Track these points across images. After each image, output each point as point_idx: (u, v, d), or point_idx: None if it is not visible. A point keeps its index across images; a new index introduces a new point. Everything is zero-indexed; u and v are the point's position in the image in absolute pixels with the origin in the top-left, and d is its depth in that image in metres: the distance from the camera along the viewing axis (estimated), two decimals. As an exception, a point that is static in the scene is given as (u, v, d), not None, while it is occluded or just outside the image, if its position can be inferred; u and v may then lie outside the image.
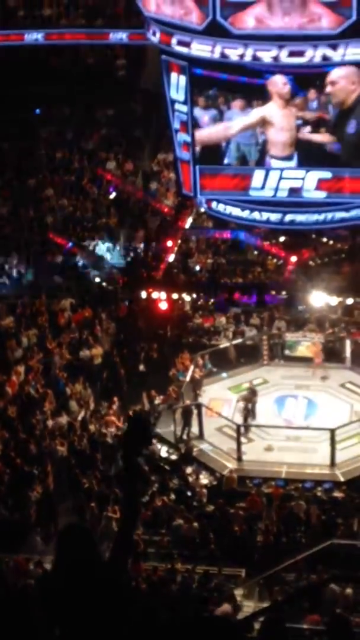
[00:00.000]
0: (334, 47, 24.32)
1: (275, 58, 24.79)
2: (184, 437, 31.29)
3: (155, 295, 36.11)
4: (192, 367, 33.75)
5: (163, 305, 36.11)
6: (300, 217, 28.75)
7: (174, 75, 27.04)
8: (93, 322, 36.77)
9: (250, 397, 31.90)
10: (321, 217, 28.61)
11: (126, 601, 6.42)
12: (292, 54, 24.67)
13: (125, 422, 31.03)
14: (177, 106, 27.52)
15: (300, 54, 24.59)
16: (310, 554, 24.89)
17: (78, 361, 35.04)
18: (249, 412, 31.68)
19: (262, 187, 27.77)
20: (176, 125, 28.03)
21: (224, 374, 35.31)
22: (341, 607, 22.16)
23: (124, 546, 6.47)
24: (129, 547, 6.69)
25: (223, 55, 25.15)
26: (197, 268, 39.00)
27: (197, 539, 26.62)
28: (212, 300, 37.72)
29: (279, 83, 25.99)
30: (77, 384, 33.38)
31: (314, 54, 24.47)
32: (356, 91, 25.69)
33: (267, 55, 24.79)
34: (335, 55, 24.49)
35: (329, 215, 28.53)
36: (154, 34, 26.49)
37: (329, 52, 24.41)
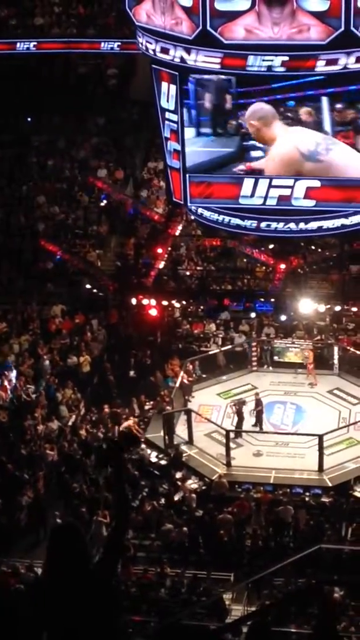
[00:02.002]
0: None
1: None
2: (169, 442, 31.50)
3: (145, 301, 36.31)
4: (181, 373, 33.97)
5: (153, 312, 36.32)
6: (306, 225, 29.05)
7: (164, 85, 27.26)
8: (84, 328, 36.99)
9: (242, 404, 32.12)
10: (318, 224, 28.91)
11: (115, 604, 6.54)
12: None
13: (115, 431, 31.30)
14: (167, 115, 27.73)
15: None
16: (298, 558, 25.03)
17: (67, 367, 35.25)
18: (241, 419, 31.87)
19: (252, 195, 27.97)
20: (166, 133, 28.23)
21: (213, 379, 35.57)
22: (329, 610, 22.29)
23: (114, 548, 6.54)
24: (119, 549, 6.80)
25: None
26: (187, 274, 39.18)
27: (187, 543, 26.80)
28: (201, 307, 37.93)
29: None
30: (67, 389, 33.58)
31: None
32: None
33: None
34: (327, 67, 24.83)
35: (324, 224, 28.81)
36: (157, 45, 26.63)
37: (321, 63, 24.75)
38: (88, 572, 6.18)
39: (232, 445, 30.91)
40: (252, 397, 33.15)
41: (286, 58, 24.71)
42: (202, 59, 25.35)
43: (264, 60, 24.78)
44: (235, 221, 29.31)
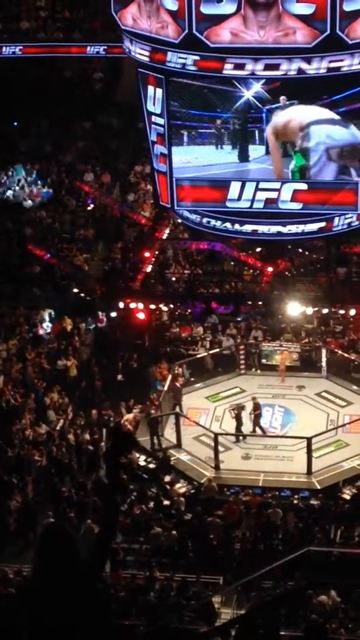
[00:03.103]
0: (309, 61, 24.66)
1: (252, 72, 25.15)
2: (155, 446, 31.51)
3: (133, 305, 36.30)
4: (170, 377, 33.98)
5: (141, 316, 36.32)
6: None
7: (150, 88, 27.28)
8: (72, 333, 36.98)
9: (241, 409, 32.15)
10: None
11: (103, 606, 6.54)
12: (267, 67, 25.03)
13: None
14: (154, 119, 27.74)
15: (276, 67, 24.93)
16: (287, 561, 25.08)
17: (55, 371, 35.24)
18: (240, 423, 31.89)
19: (239, 199, 28.00)
20: (153, 137, 28.24)
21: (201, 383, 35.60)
22: (317, 614, 22.33)
23: (101, 551, 6.56)
24: (106, 552, 6.77)
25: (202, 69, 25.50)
26: (174, 279, 39.21)
27: (176, 547, 26.80)
28: (189, 310, 37.94)
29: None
30: (54, 393, 33.57)
31: (289, 67, 24.80)
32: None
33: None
34: (310, 69, 24.82)
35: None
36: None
37: (303, 66, 24.74)
38: (76, 574, 6.18)
39: (220, 448, 30.93)
40: (248, 400, 33.24)
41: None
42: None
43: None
44: (222, 224, 29.37)
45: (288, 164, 27.56)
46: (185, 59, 25.69)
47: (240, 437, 31.97)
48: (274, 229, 29.03)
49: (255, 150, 27.38)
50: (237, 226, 29.16)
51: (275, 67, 24.97)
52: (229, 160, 27.54)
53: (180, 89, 27.02)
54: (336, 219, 28.49)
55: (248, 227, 29.11)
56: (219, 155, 27.61)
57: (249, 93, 26.42)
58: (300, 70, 24.81)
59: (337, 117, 26.31)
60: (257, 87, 26.24)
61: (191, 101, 27.10)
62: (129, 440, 7.11)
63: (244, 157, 27.47)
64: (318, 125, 26.23)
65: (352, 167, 27.33)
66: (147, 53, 26.78)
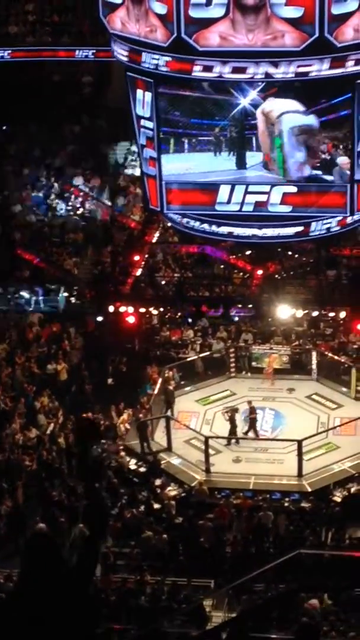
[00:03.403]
0: (276, 65, 24.76)
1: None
2: (146, 450, 31.50)
3: (123, 309, 36.29)
4: (160, 380, 33.98)
5: (131, 319, 36.31)
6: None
7: (139, 92, 27.26)
8: (61, 336, 36.95)
9: (235, 412, 32.16)
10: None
11: (93, 611, 6.52)
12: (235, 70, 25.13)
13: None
14: (143, 122, 27.72)
15: (243, 70, 25.02)
16: (278, 563, 25.06)
17: (45, 375, 35.21)
18: (234, 426, 31.90)
19: (228, 202, 28.00)
20: (142, 141, 28.23)
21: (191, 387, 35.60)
22: (308, 617, 22.30)
23: (90, 554, 6.56)
24: (95, 555, 6.76)
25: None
26: (164, 282, 39.22)
27: (166, 550, 26.78)
28: (179, 313, 37.95)
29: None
30: (44, 397, 33.53)
31: (256, 71, 24.90)
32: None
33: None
34: (277, 73, 24.92)
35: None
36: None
37: (271, 70, 24.82)
38: (63, 580, 6.16)
39: (211, 451, 30.93)
40: (240, 403, 33.31)
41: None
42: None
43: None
44: (200, 225, 29.45)
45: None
46: (158, 59, 25.87)
47: (232, 440, 31.97)
48: (250, 231, 29.08)
49: (253, 157, 27.39)
50: (214, 227, 29.25)
51: (243, 70, 25.05)
52: (227, 167, 27.56)
53: (181, 100, 27.05)
54: (313, 224, 28.48)
55: (224, 229, 29.17)
56: (217, 162, 27.61)
57: (246, 100, 26.45)
58: (267, 74, 24.90)
59: (301, 108, 26.32)
60: (253, 94, 26.27)
61: (191, 110, 27.13)
62: (92, 429, 7.06)
63: (241, 164, 27.48)
64: (288, 114, 26.31)
65: (312, 149, 27.22)
66: (125, 53, 26.93)
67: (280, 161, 27.19)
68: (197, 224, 29.50)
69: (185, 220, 29.72)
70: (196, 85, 26.61)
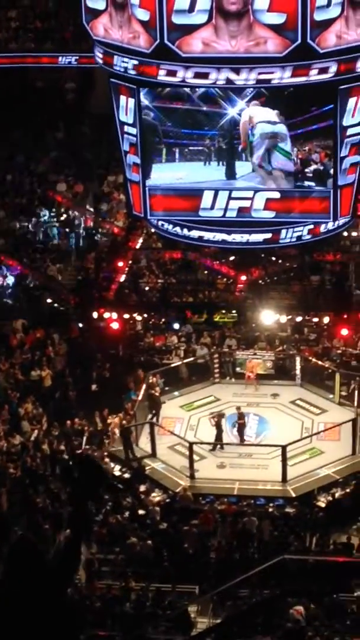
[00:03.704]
0: (237, 72, 24.84)
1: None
2: (130, 456, 31.48)
3: (107, 315, 36.28)
4: (144, 386, 33.98)
5: (115, 325, 36.29)
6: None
7: (122, 98, 27.26)
8: (45, 343, 36.90)
9: (221, 417, 32.18)
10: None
11: (75, 617, 6.49)
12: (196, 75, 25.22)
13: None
14: (127, 128, 27.72)
15: (205, 75, 25.10)
16: (262, 569, 25.08)
17: (29, 382, 35.15)
18: (220, 431, 31.91)
19: (212, 208, 28.02)
20: (125, 147, 28.21)
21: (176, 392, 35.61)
22: (293, 623, 22.32)
23: (69, 559, 6.54)
24: (75, 556, 6.71)
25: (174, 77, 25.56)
26: (147, 288, 39.25)
27: (151, 556, 26.76)
28: (163, 319, 37.96)
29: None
30: (28, 403, 33.47)
31: (217, 77, 24.99)
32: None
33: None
34: (238, 79, 25.02)
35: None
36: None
37: (232, 76, 24.92)
38: (45, 585, 6.15)
39: (195, 457, 30.93)
40: (226, 408, 33.37)
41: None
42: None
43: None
44: (173, 228, 29.52)
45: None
46: (127, 62, 26.03)
47: (217, 446, 31.97)
48: (219, 236, 29.12)
49: (242, 167, 27.42)
50: (185, 231, 29.33)
51: (205, 75, 25.12)
52: (217, 177, 27.60)
53: (173, 111, 27.10)
54: (283, 231, 28.47)
55: (195, 233, 29.26)
56: (207, 172, 27.64)
57: (234, 111, 26.52)
58: (228, 80, 25.00)
59: (275, 118, 26.41)
60: (241, 104, 26.35)
61: (182, 121, 27.17)
62: (99, 474, 6.89)
63: (231, 174, 27.53)
64: (262, 123, 26.43)
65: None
66: (100, 56, 27.08)
67: (249, 153, 27.28)
68: (170, 227, 29.61)
69: (160, 223, 29.78)
70: (187, 97, 26.68)
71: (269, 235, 28.81)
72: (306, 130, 26.65)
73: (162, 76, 25.60)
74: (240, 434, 32.22)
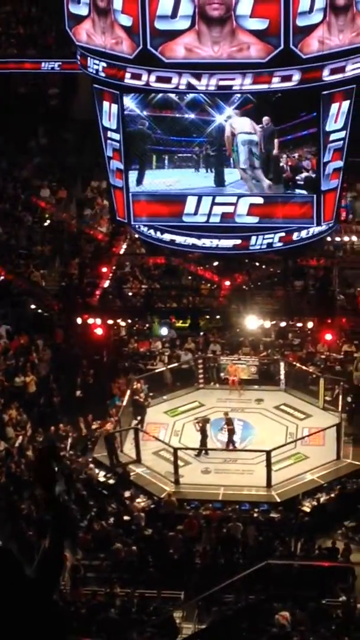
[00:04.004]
0: (198, 77, 24.95)
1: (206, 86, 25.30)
2: (114, 462, 31.46)
3: (91, 321, 36.24)
4: (128, 392, 33.96)
5: (99, 331, 36.25)
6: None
7: (106, 104, 27.28)
8: (29, 349, 36.83)
9: (206, 422, 32.19)
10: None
11: (58, 624, 6.47)
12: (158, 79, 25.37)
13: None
14: (110, 134, 27.73)
15: (168, 80, 25.25)
16: (247, 574, 25.06)
17: (14, 388, 35.07)
18: (205, 436, 31.92)
19: (195, 213, 28.05)
20: (109, 153, 28.22)
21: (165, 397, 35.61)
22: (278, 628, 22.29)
23: (50, 564, 6.52)
24: (56, 565, 6.70)
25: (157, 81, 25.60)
26: (131, 293, 39.23)
27: (136, 562, 26.72)
28: (147, 325, 37.96)
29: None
30: (12, 410, 33.40)
31: (179, 81, 25.10)
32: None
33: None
34: (200, 85, 25.12)
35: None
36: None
37: (193, 81, 25.03)
38: (26, 592, 6.13)
39: (180, 463, 30.93)
40: (210, 413, 33.48)
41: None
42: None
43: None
44: (148, 230, 29.59)
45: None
46: (98, 65, 26.36)
47: (202, 451, 31.98)
48: (190, 240, 29.19)
49: (231, 174, 27.45)
50: (158, 234, 29.41)
51: (167, 80, 25.26)
52: (206, 184, 27.63)
53: (162, 119, 27.15)
54: (253, 238, 28.54)
55: (167, 236, 29.32)
56: (197, 179, 27.67)
57: (221, 117, 26.59)
58: (189, 85, 25.09)
59: (251, 130, 26.51)
60: (229, 111, 26.42)
61: (171, 128, 27.21)
62: (51, 451, 7.00)
63: (220, 181, 27.56)
64: (242, 133, 26.55)
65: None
66: (79, 57, 27.37)
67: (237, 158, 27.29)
68: (145, 229, 29.70)
69: (137, 225, 29.83)
70: (176, 105, 26.73)
71: (238, 242, 28.89)
72: (295, 136, 26.74)
73: (127, 79, 25.87)
74: (230, 440, 32.21)
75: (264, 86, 25.08)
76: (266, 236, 28.44)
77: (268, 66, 24.58)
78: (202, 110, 26.62)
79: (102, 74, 26.51)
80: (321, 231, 29.07)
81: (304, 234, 28.75)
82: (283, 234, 28.53)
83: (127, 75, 25.82)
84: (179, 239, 29.32)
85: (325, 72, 24.99)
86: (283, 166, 27.06)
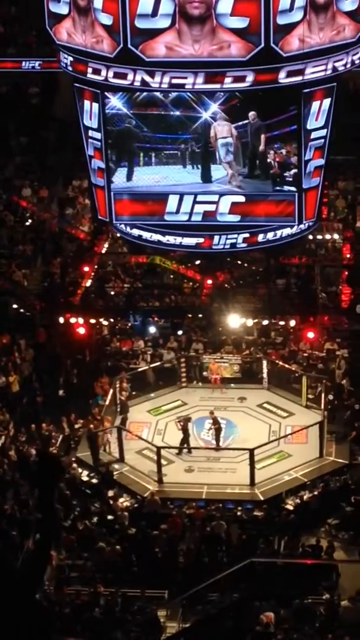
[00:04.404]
0: (152, 75, 25.02)
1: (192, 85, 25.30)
2: (98, 461, 31.43)
3: (73, 320, 36.19)
4: (111, 391, 33.94)
5: (81, 330, 36.21)
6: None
7: (86, 103, 27.24)
8: (11, 348, 36.74)
9: (188, 421, 32.20)
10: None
11: (44, 623, 6.46)
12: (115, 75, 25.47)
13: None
14: (91, 133, 27.70)
15: (124, 76, 25.31)
16: (230, 572, 25.08)
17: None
18: (187, 435, 31.93)
19: (177, 212, 28.03)
20: (90, 152, 28.19)
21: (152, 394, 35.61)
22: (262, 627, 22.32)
23: (35, 563, 6.50)
24: (42, 560, 6.69)
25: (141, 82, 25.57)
26: (113, 293, 39.20)
27: (120, 561, 26.71)
28: (129, 324, 37.93)
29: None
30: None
31: (134, 78, 25.18)
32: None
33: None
34: (153, 82, 25.17)
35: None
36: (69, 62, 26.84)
37: (147, 78, 25.07)
38: (11, 590, 6.13)
39: (163, 461, 30.93)
40: (193, 412, 33.51)
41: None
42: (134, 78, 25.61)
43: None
44: (127, 229, 29.60)
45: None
46: (67, 59, 26.53)
47: (184, 450, 31.99)
48: (155, 237, 29.20)
49: (217, 171, 27.44)
50: (128, 229, 29.45)
51: (123, 76, 25.32)
52: (193, 180, 27.61)
53: (147, 116, 27.15)
54: (216, 237, 28.55)
55: (135, 231, 29.34)
56: (184, 175, 27.65)
57: (207, 114, 26.57)
58: (143, 82, 25.15)
59: (228, 134, 26.64)
60: (214, 107, 26.41)
61: (156, 125, 27.18)
62: (56, 465, 6.98)
63: (206, 177, 27.54)
64: (221, 138, 26.62)
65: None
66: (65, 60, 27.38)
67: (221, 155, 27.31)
68: (118, 224, 29.72)
69: (152, 235, 29.71)
70: (160, 102, 26.72)
71: (201, 240, 28.89)
72: (282, 132, 26.74)
73: (89, 74, 26.00)
74: (217, 438, 32.22)
75: (216, 86, 25.19)
76: (229, 236, 28.44)
77: (249, 64, 24.61)
78: (187, 107, 26.60)
79: (70, 69, 26.67)
80: (290, 234, 28.98)
81: (270, 236, 28.68)
82: (247, 235, 28.52)
83: (89, 69, 25.91)
84: (146, 235, 29.33)
85: (282, 74, 24.98)
86: (271, 162, 27.06)
